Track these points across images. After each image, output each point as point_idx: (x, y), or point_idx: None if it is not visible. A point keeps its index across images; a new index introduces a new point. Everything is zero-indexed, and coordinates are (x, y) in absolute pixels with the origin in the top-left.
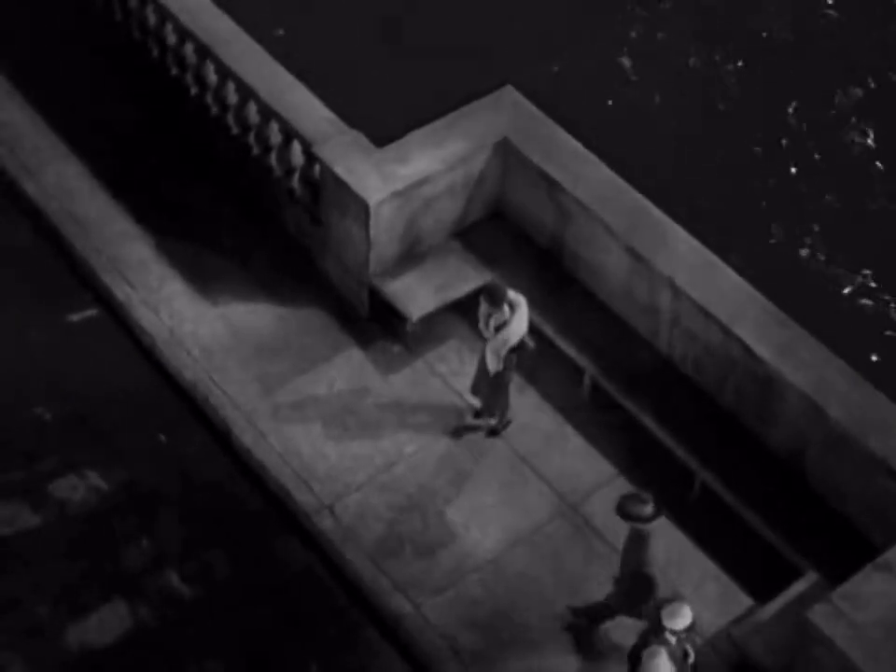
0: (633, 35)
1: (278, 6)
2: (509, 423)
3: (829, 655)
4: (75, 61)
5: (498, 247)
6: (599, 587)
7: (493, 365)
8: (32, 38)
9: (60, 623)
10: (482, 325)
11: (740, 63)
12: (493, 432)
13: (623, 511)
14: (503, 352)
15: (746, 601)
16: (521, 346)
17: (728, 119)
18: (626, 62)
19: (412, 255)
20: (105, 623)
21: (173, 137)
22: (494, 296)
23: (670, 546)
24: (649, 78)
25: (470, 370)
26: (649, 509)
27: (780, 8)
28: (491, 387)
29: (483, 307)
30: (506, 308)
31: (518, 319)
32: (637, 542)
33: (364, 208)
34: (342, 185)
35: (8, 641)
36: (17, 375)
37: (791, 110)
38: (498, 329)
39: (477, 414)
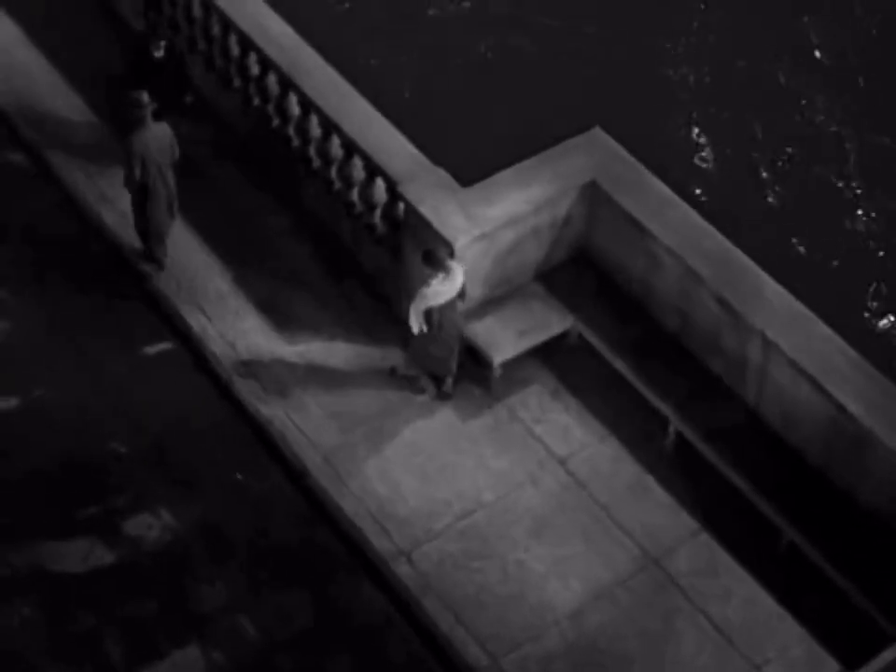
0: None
1: (363, 38)
2: (446, 396)
3: None
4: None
5: (582, 292)
6: (681, 646)
7: (413, 323)
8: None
9: (132, 666)
10: None
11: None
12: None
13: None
14: (421, 307)
15: (833, 667)
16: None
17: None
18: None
19: (494, 297)
20: (178, 668)
21: (251, 167)
22: (431, 260)
23: (755, 606)
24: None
25: (553, 416)
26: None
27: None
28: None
29: (426, 270)
30: (440, 275)
31: (445, 285)
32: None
33: (449, 250)
34: (426, 225)
35: None
36: (92, 408)
37: None
38: (425, 286)
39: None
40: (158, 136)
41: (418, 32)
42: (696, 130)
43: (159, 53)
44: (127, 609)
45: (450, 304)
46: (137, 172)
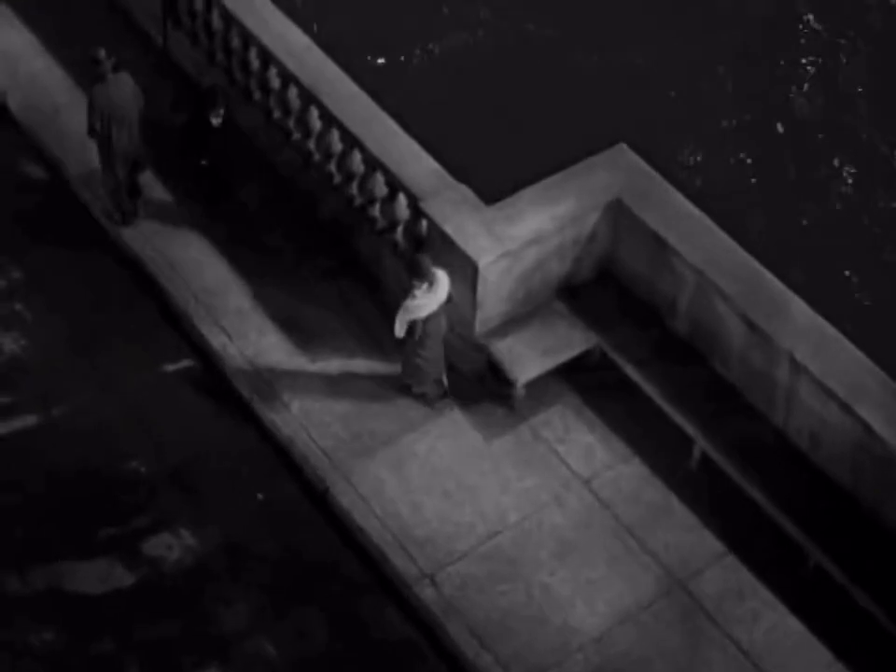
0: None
1: (382, 52)
2: (445, 393)
3: None
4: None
5: (606, 309)
6: (707, 670)
7: (397, 329)
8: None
9: None
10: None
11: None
12: (423, 396)
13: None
14: (405, 318)
15: None
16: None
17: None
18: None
19: (517, 315)
20: None
21: (271, 184)
22: (415, 269)
23: (782, 629)
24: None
25: (576, 436)
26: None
27: None
28: (404, 353)
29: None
30: (425, 285)
31: (431, 297)
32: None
33: (473, 269)
34: (449, 243)
35: None
36: (111, 427)
37: None
38: (410, 298)
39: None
40: (119, 88)
41: (440, 47)
42: (723, 145)
43: (217, 121)
44: (147, 631)
45: (434, 314)
46: (99, 124)
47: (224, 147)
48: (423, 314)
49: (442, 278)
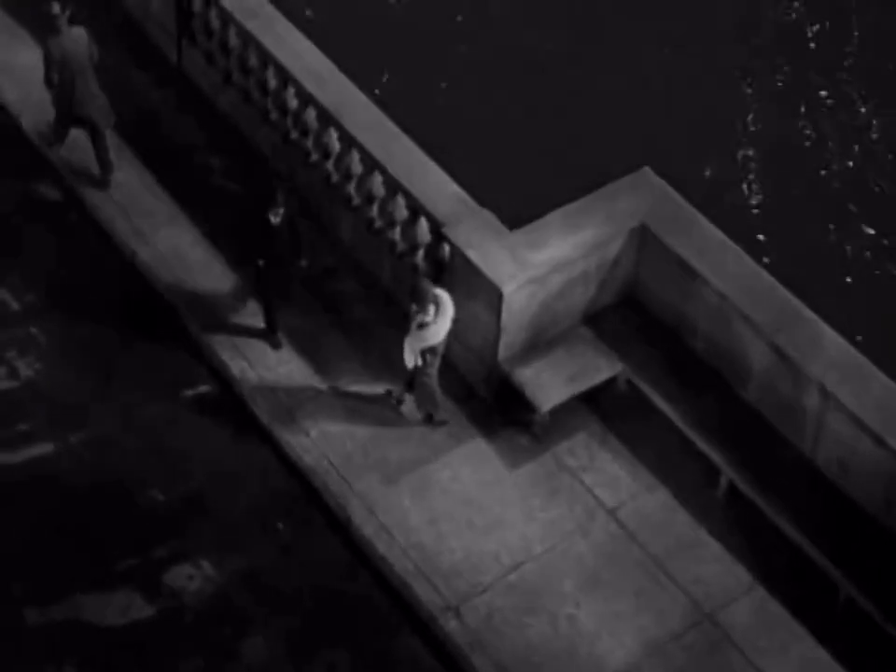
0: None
1: (401, 73)
2: (444, 423)
3: None
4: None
5: (630, 335)
6: None
7: (409, 359)
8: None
9: None
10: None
11: None
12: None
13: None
14: (418, 348)
15: None
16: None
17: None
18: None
19: (540, 341)
20: None
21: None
22: (419, 296)
23: (812, 663)
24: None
25: (601, 464)
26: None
27: None
28: (416, 382)
29: (413, 306)
30: (431, 309)
31: (441, 321)
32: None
33: (497, 296)
34: (473, 269)
35: None
36: (130, 454)
37: None
38: (421, 327)
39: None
40: (74, 40)
41: (462, 72)
42: (747, 169)
43: (276, 220)
44: (167, 666)
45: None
46: (55, 74)
47: (282, 249)
48: (438, 339)
49: (446, 298)
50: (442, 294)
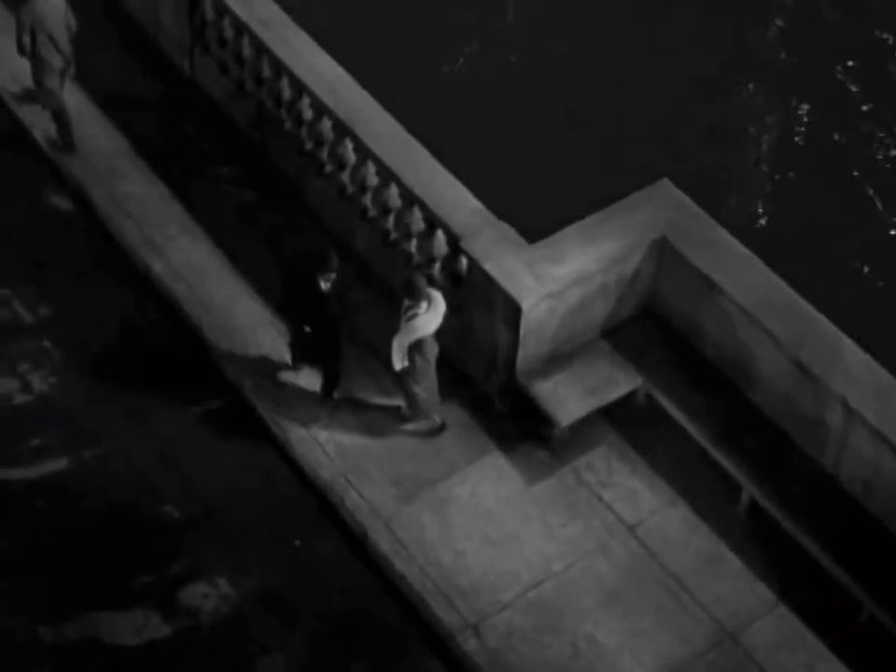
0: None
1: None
2: (443, 427)
3: None
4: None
5: (650, 349)
6: None
7: (397, 359)
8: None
9: None
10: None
11: None
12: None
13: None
14: (406, 342)
15: None
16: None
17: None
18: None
19: (559, 354)
20: None
21: (298, 212)
22: (412, 290)
23: None
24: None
25: (620, 479)
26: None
27: None
28: (403, 387)
29: (405, 301)
30: (423, 304)
31: (430, 316)
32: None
33: (516, 310)
34: (492, 283)
35: None
36: (143, 470)
37: None
38: (410, 319)
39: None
40: (51, 7)
41: (478, 83)
42: (768, 181)
43: (326, 286)
44: None
45: (432, 336)
46: (27, 40)
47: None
48: (425, 332)
49: (439, 297)
50: (436, 294)
